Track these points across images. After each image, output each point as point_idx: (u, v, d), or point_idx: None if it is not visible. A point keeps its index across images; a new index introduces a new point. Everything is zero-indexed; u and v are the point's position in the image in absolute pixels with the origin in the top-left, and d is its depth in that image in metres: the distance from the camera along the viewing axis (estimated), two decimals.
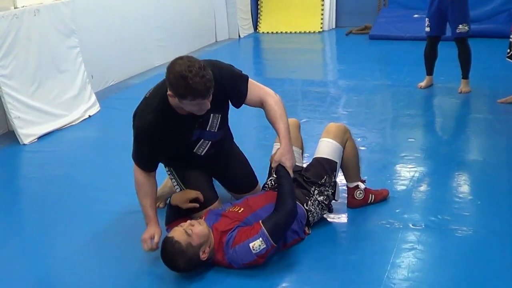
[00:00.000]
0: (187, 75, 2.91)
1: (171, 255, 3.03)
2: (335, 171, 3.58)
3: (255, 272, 3.13)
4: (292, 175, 3.28)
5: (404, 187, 4.14)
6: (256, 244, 3.02)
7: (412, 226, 3.58)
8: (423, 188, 4.15)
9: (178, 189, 3.65)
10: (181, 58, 3.01)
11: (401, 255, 3.28)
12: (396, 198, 3.95)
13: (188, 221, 3.14)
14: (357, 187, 3.76)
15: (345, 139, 3.65)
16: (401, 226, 3.58)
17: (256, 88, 3.40)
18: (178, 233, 3.05)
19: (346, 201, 3.82)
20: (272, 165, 3.32)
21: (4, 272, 3.36)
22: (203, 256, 3.09)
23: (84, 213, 4.07)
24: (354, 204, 3.79)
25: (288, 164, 3.25)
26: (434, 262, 3.24)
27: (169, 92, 3.07)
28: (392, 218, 3.69)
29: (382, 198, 3.87)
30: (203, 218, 3.28)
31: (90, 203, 4.21)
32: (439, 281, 3.04)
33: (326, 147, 3.63)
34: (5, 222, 4.04)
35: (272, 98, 3.38)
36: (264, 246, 3.02)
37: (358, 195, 3.77)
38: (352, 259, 3.28)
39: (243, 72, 3.43)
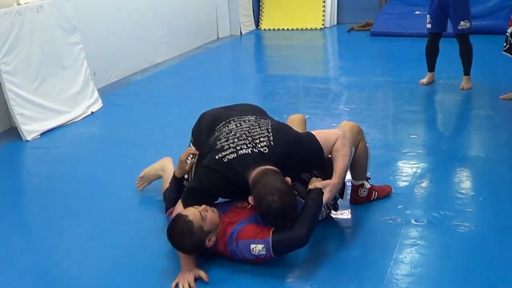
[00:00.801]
0: (276, 215, 3.02)
1: (181, 232, 3.02)
2: (342, 191, 3.53)
3: (258, 267, 3.14)
4: (323, 205, 3.27)
5: (406, 183, 4.16)
6: (257, 248, 3.03)
7: (414, 222, 3.59)
8: (425, 184, 4.17)
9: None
10: (274, 195, 2.99)
11: (404, 251, 3.29)
12: (399, 194, 3.96)
13: (203, 206, 3.12)
14: (362, 185, 3.77)
15: (358, 140, 3.62)
16: (404, 222, 3.60)
17: (324, 142, 3.32)
18: (193, 213, 3.05)
19: (349, 197, 3.82)
20: (311, 185, 3.24)
21: (9, 266, 3.38)
22: (209, 244, 3.10)
23: (87, 208, 4.08)
24: (358, 201, 3.80)
25: (326, 196, 3.21)
26: (437, 258, 3.25)
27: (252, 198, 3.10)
28: (394, 214, 3.70)
29: (385, 194, 3.89)
30: None
31: (93, 199, 4.22)
32: (442, 276, 3.05)
33: None
34: (8, 217, 4.05)
35: (339, 140, 3.32)
36: (264, 253, 3.03)
37: (362, 193, 3.78)
38: (355, 255, 3.29)
39: (319, 146, 3.31)
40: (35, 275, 3.30)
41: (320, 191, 3.19)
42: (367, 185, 3.79)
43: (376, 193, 3.85)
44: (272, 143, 3.20)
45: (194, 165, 3.58)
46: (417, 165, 4.44)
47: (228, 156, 3.16)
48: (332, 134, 3.36)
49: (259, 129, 3.29)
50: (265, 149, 3.17)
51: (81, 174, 4.69)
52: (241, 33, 10.69)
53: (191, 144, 3.70)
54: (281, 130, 3.33)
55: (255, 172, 3.10)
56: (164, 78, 7.75)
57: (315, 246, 3.35)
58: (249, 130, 3.29)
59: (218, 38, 10.45)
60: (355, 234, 3.57)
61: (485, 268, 3.10)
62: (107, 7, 7.35)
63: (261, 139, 3.21)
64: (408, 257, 3.23)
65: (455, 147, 4.85)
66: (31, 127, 5.50)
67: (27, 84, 5.59)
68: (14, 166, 5.14)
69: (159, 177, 4.11)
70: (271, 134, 3.25)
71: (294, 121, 3.81)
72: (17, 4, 5.52)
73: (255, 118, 3.44)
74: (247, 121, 3.38)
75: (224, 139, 3.25)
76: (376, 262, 3.21)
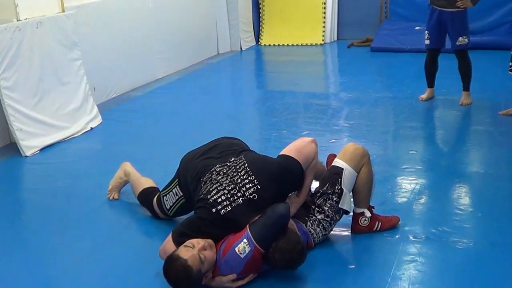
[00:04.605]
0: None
1: (179, 276, 2.99)
2: (340, 178, 3.50)
3: (253, 284, 3.13)
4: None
5: (405, 199, 4.15)
6: (241, 247, 3.02)
7: (413, 238, 3.58)
8: (424, 200, 4.16)
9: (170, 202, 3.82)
10: (294, 252, 3.12)
11: (402, 267, 3.28)
12: (397, 210, 3.94)
13: (201, 244, 3.06)
14: (362, 213, 3.64)
15: (361, 164, 3.56)
16: (402, 238, 3.59)
17: (304, 161, 3.40)
18: (192, 257, 2.99)
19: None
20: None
21: (7, 283, 3.37)
22: (205, 282, 3.10)
23: (85, 224, 4.08)
24: (358, 230, 3.67)
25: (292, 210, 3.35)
26: (435, 275, 3.24)
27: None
28: (393, 230, 3.68)
29: (390, 226, 3.70)
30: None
31: (92, 214, 4.22)
32: None
33: None
34: (7, 234, 4.04)
35: (315, 159, 3.50)
36: (249, 247, 3.00)
37: (363, 222, 3.64)
38: (353, 271, 3.28)
39: (299, 164, 3.38)
40: None
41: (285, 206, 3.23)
42: (368, 214, 3.64)
43: (380, 223, 3.68)
44: (258, 187, 3.22)
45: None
46: (416, 181, 4.44)
47: (223, 210, 3.17)
48: (308, 150, 3.43)
49: (239, 174, 3.29)
50: (254, 196, 3.20)
51: (80, 189, 4.68)
52: (241, 48, 10.71)
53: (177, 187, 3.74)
54: (259, 166, 3.33)
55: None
56: (164, 94, 7.75)
57: (311, 261, 3.32)
58: (233, 178, 3.28)
59: (218, 53, 10.47)
60: (352, 249, 3.58)
61: (484, 285, 3.08)
62: (107, 23, 7.37)
63: (247, 186, 3.23)
64: (406, 274, 3.22)
65: (454, 163, 4.85)
66: (30, 143, 5.50)
67: (27, 99, 5.60)
68: (13, 181, 5.13)
69: (126, 182, 4.35)
70: (253, 176, 3.26)
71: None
72: (17, 20, 5.53)
73: (233, 162, 3.41)
74: (228, 169, 3.36)
75: (214, 192, 3.24)
76: (373, 278, 3.20)
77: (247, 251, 3.02)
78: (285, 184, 3.30)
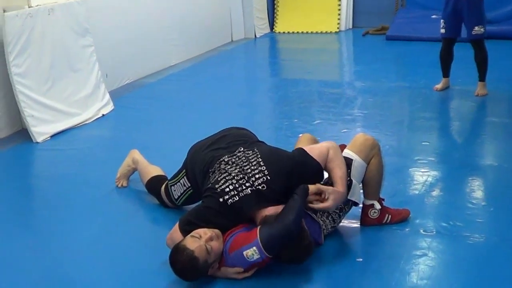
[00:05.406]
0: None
1: (186, 267, 2.98)
2: (349, 170, 3.40)
3: (259, 275, 3.10)
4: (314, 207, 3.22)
5: (416, 192, 4.09)
6: (250, 253, 2.97)
7: (423, 232, 3.53)
8: (435, 193, 4.10)
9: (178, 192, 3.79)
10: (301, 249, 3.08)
11: (411, 262, 3.23)
12: (408, 202, 3.88)
13: (208, 234, 3.03)
14: (372, 205, 3.58)
15: (371, 155, 3.49)
16: (412, 232, 3.54)
17: (318, 156, 3.30)
18: (199, 248, 2.96)
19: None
20: (312, 186, 3.20)
21: (16, 268, 3.37)
22: (211, 272, 3.08)
23: (93, 211, 4.07)
24: (367, 223, 3.61)
25: (329, 203, 3.19)
26: (445, 270, 3.19)
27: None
28: (403, 223, 3.63)
29: (400, 219, 3.64)
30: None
31: (100, 202, 4.21)
32: None
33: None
34: (17, 219, 4.05)
35: (331, 150, 3.31)
36: (258, 256, 2.96)
37: (372, 214, 3.58)
38: (360, 264, 3.24)
39: (315, 160, 3.28)
40: (41, 273, 3.31)
41: (305, 188, 3.14)
42: (378, 206, 3.58)
43: (390, 216, 3.61)
44: (268, 177, 3.16)
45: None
46: (428, 173, 4.38)
47: (230, 200, 3.13)
48: (322, 146, 3.35)
49: (250, 164, 3.24)
50: (263, 186, 3.14)
51: (89, 176, 4.67)
52: (255, 36, 10.66)
53: (185, 178, 3.71)
54: (272, 159, 3.27)
55: (263, 217, 3.09)
56: (176, 81, 7.73)
57: (319, 254, 3.30)
58: (243, 168, 3.23)
59: (232, 40, 10.43)
60: (361, 242, 3.53)
61: (495, 281, 3.03)
62: (120, 9, 7.35)
63: (256, 176, 3.17)
64: (415, 268, 3.17)
65: (468, 155, 4.78)
66: (41, 129, 5.50)
67: (38, 86, 5.59)
68: (23, 167, 5.14)
69: (134, 170, 4.34)
70: (264, 167, 3.21)
71: (303, 141, 3.73)
72: (29, 7, 5.52)
73: (243, 152, 3.36)
74: (238, 159, 3.32)
75: (222, 181, 3.19)
76: (381, 272, 3.15)
77: (255, 258, 2.98)
78: (296, 178, 3.21)
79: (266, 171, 3.18)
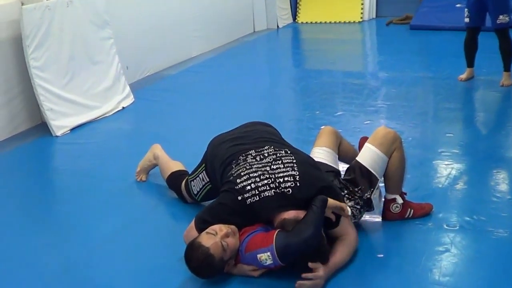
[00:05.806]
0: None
1: (201, 265, 2.93)
2: (373, 188, 3.36)
3: (276, 271, 3.03)
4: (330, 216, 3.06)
5: (440, 185, 4.00)
6: (263, 257, 2.89)
7: (446, 227, 3.44)
8: (459, 186, 4.01)
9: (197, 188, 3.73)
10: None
11: (433, 258, 3.15)
12: (431, 196, 3.79)
13: (224, 231, 2.96)
14: (394, 200, 3.50)
15: (392, 149, 3.41)
16: (435, 227, 3.45)
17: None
18: (214, 245, 2.90)
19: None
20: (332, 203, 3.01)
21: (36, 261, 3.37)
22: (227, 269, 3.03)
23: (112, 205, 4.05)
24: (389, 217, 3.53)
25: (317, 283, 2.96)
26: (468, 266, 3.11)
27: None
28: (425, 217, 3.54)
29: (423, 213, 3.55)
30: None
31: (119, 196, 4.18)
32: (473, 286, 2.92)
33: (369, 156, 3.41)
34: (37, 213, 4.04)
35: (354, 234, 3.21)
36: (272, 262, 2.88)
37: (394, 208, 3.50)
38: (381, 260, 3.17)
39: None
40: (61, 266, 3.30)
41: (324, 200, 2.95)
42: (400, 201, 3.49)
43: (412, 210, 3.53)
44: (298, 184, 3.00)
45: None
46: (452, 166, 4.28)
47: (250, 199, 2.99)
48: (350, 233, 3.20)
49: (282, 166, 3.09)
50: (289, 190, 2.99)
51: (110, 170, 4.65)
52: (278, 26, 10.58)
53: (204, 172, 3.63)
54: (309, 172, 3.11)
55: (282, 220, 2.96)
56: (198, 73, 7.68)
57: None
58: (271, 166, 3.10)
59: (254, 31, 10.36)
60: (382, 237, 3.46)
61: None
62: (140, 1, 7.32)
63: (286, 179, 3.02)
64: (437, 265, 3.09)
65: (493, 147, 4.66)
66: (60, 123, 5.49)
67: (57, 79, 5.57)
68: (43, 161, 5.14)
69: (155, 165, 4.28)
70: (298, 172, 3.06)
71: (325, 135, 3.66)
72: None
73: (274, 150, 3.23)
74: (266, 155, 3.19)
75: (245, 177, 3.06)
76: (401, 268, 3.08)
77: (268, 263, 2.90)
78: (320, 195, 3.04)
79: (298, 177, 3.03)
